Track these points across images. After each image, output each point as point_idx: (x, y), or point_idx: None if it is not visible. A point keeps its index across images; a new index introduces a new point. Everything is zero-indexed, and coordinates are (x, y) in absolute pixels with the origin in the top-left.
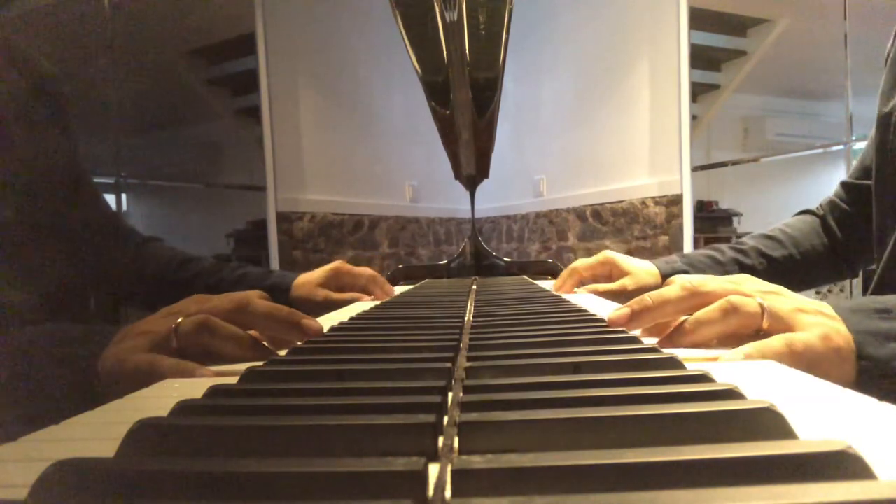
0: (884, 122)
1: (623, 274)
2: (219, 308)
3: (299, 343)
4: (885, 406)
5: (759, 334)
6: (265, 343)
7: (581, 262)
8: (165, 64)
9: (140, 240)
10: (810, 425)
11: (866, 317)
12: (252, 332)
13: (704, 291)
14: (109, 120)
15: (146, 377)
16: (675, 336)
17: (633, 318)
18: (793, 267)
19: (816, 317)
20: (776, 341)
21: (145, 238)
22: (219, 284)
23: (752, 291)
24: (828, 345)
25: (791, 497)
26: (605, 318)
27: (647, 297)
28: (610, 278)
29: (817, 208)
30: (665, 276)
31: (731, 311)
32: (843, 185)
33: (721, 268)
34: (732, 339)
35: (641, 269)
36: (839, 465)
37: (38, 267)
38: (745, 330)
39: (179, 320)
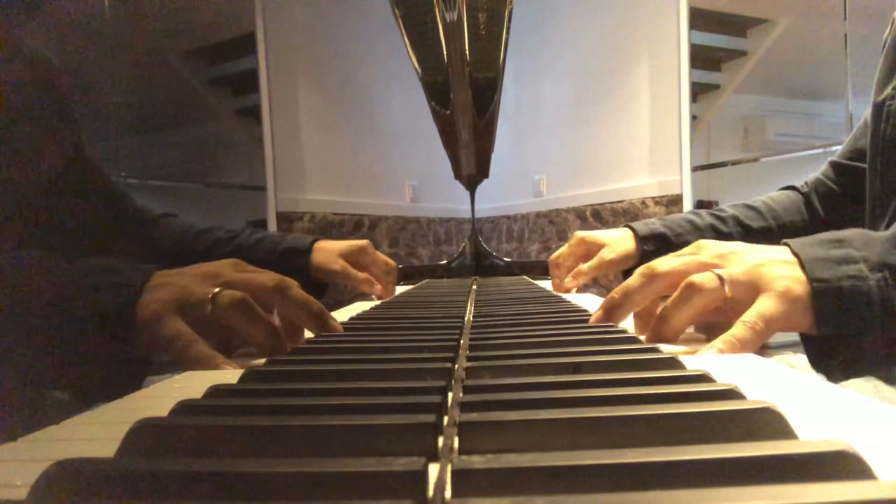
0: (878, 110)
1: (599, 247)
2: (259, 284)
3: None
4: (885, 406)
5: (728, 304)
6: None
7: (558, 254)
8: (166, 64)
9: (154, 216)
10: (809, 424)
11: (820, 247)
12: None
13: (662, 272)
14: (109, 120)
15: (177, 354)
16: (655, 330)
17: (607, 316)
18: (769, 239)
19: (776, 267)
20: (739, 329)
21: (159, 214)
22: (237, 251)
23: (707, 258)
24: (788, 298)
25: (791, 497)
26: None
27: (614, 294)
28: (589, 257)
29: (802, 185)
30: (642, 237)
31: (692, 292)
32: (833, 164)
33: (699, 233)
34: (710, 315)
35: (615, 238)
36: (839, 465)
37: (48, 259)
38: (714, 304)
39: (217, 290)
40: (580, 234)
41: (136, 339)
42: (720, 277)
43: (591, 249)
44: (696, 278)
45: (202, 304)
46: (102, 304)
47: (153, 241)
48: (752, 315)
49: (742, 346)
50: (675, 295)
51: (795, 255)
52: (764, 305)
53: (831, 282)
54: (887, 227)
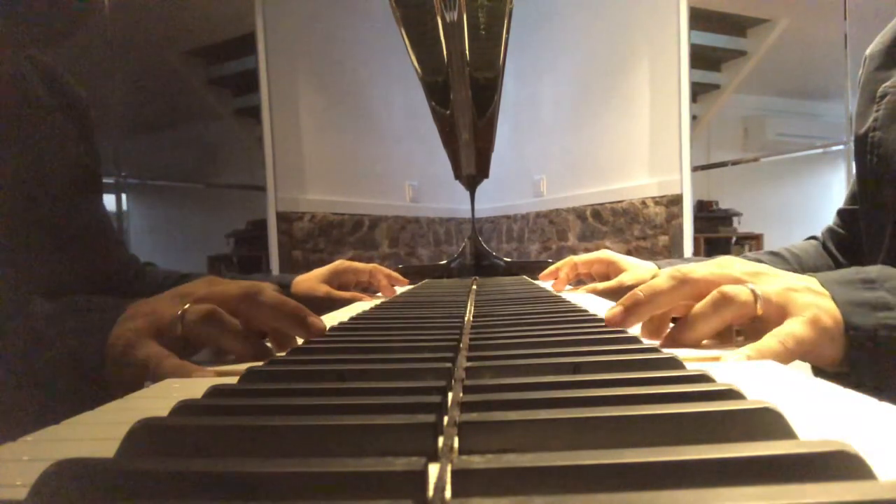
0: (861, 143)
1: (620, 272)
2: (228, 294)
3: (300, 341)
4: (885, 406)
5: (755, 321)
6: (269, 344)
7: (580, 258)
8: (165, 64)
9: (139, 266)
10: (809, 424)
11: (852, 288)
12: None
13: (694, 279)
14: (109, 120)
15: (151, 374)
16: (674, 335)
17: (627, 313)
18: None
19: (806, 295)
20: (770, 341)
21: (143, 263)
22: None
23: (739, 274)
24: (817, 327)
25: (791, 497)
26: (603, 317)
27: (638, 291)
28: (607, 278)
29: (820, 235)
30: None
31: (724, 302)
32: (839, 212)
33: None
34: (729, 331)
35: (639, 266)
36: (839, 465)
37: (47, 275)
38: (742, 319)
39: (187, 306)
40: (609, 253)
41: (107, 384)
42: (754, 293)
43: (610, 270)
44: (730, 289)
45: (173, 325)
46: (75, 349)
47: (136, 292)
48: (783, 332)
49: (772, 358)
50: (705, 302)
51: (826, 291)
52: (794, 328)
53: (868, 330)
54: (891, 247)
